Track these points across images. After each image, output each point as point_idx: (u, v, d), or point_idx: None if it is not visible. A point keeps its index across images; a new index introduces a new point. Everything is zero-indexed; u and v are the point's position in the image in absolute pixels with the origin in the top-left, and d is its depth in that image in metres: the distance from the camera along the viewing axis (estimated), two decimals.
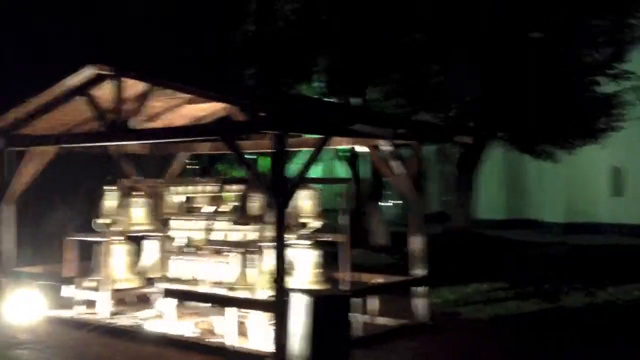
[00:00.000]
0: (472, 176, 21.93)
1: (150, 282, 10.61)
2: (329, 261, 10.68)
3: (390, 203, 38.69)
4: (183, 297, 9.33)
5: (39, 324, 10.05)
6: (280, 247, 8.06)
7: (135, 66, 9.35)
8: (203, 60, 19.14)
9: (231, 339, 8.54)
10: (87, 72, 9.48)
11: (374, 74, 21.58)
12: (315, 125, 8.17)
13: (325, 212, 10.21)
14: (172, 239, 10.76)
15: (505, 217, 29.35)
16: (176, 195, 10.79)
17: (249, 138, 8.96)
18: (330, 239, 10.12)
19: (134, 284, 10.71)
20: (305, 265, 9.87)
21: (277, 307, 7.91)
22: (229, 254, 9.49)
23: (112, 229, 10.49)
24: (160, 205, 10.54)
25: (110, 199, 10.73)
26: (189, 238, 10.38)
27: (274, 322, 8.05)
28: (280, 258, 8.05)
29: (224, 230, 9.78)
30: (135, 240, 11.14)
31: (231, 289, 9.17)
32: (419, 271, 9.94)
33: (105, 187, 10.78)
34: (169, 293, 9.37)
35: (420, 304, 9.89)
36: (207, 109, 11.20)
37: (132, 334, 9.33)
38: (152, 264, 10.67)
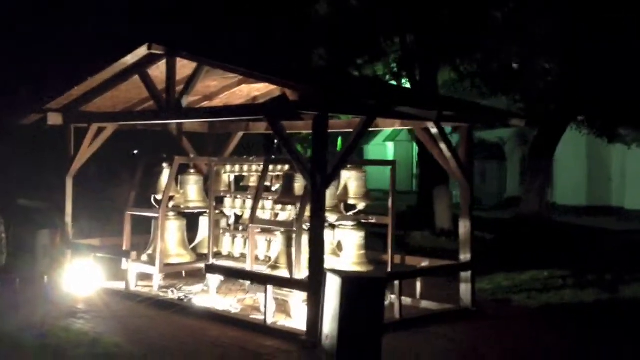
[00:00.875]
0: (547, 161, 21.43)
1: (202, 257, 10.87)
2: (381, 243, 10.74)
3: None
4: (223, 273, 9.49)
5: (95, 295, 10.41)
6: (318, 229, 8.08)
7: (186, 46, 9.50)
8: (274, 41, 19.29)
9: (270, 317, 8.65)
10: (140, 52, 9.70)
11: (451, 54, 21.36)
12: (356, 106, 8.14)
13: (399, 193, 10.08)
14: (226, 216, 11.03)
15: (585, 204, 28.55)
16: (229, 174, 11.01)
17: (301, 118, 9.00)
18: (374, 221, 10.10)
19: (185, 259, 10.99)
20: (349, 246, 9.90)
21: (311, 286, 7.96)
22: (273, 233, 9.66)
23: (166, 205, 10.73)
24: (214, 182, 10.72)
25: (165, 175, 10.99)
26: (236, 215, 10.59)
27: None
28: (318, 239, 8.07)
29: (272, 209, 9.93)
30: (193, 217, 11.45)
31: (274, 267, 9.31)
32: (464, 256, 9.80)
33: (161, 164, 11.07)
34: (209, 269, 9.56)
35: (464, 289, 9.77)
36: (262, 89, 11.33)
37: (178, 307, 9.56)
38: (205, 240, 10.91)
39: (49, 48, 16.40)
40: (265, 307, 8.67)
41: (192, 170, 11.35)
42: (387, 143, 44.76)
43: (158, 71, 9.91)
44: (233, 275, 9.55)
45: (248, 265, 9.51)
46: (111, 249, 11.21)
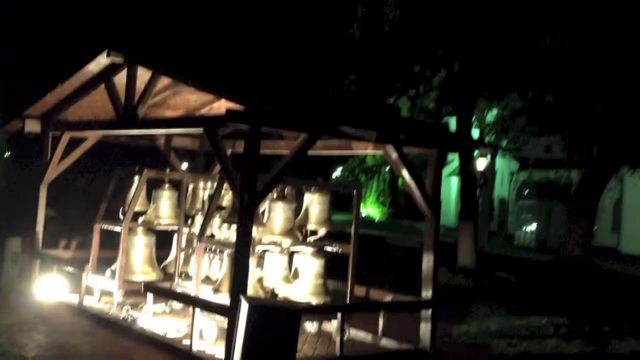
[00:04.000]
0: (593, 202, 20.19)
1: (169, 277, 10.45)
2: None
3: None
4: (155, 292, 9.02)
5: (50, 307, 10.13)
6: (242, 251, 7.53)
7: (144, 54, 9.20)
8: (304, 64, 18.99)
9: (207, 343, 8.14)
10: (102, 60, 9.46)
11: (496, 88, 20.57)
12: (292, 122, 7.59)
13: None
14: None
15: None
16: (203, 191, 10.58)
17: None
18: (336, 249, 9.47)
19: (150, 277, 10.56)
20: (305, 275, 9.30)
21: (230, 313, 7.40)
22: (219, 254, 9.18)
23: (129, 219, 10.37)
24: (186, 199, 10.32)
25: (134, 189, 10.65)
26: (193, 234, 10.14)
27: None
28: (241, 262, 7.53)
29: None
30: (168, 235, 11.06)
31: (216, 290, 8.81)
32: (425, 293, 9.03)
33: (132, 177, 10.75)
34: (146, 288, 9.12)
35: (423, 329, 8.99)
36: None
37: (118, 327, 9.15)
38: (174, 259, 10.49)
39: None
40: (191, 332, 8.14)
41: (166, 185, 10.98)
42: (451, 177, 43.73)
43: (120, 80, 9.63)
44: (164, 295, 9.06)
45: (193, 287, 9.02)
46: (74, 262, 10.90)
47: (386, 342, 9.27)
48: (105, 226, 10.63)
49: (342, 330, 8.34)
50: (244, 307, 7.02)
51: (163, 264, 10.88)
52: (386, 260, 18.12)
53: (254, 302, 6.97)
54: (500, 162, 39.25)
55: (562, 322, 11.57)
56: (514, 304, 13.42)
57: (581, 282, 17.09)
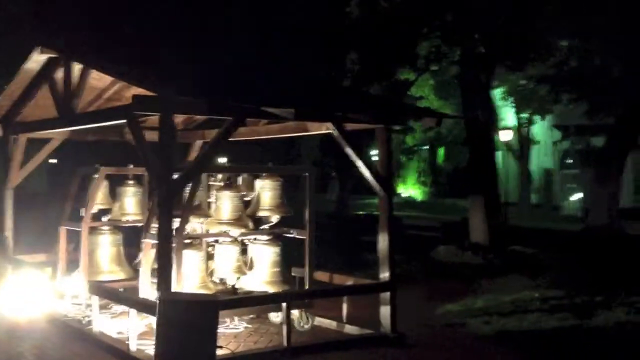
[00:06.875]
0: (617, 168, 19.24)
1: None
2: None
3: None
4: (95, 292, 8.72)
5: (18, 313, 9.99)
6: (164, 243, 7.18)
7: (77, 48, 8.92)
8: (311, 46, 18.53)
9: (131, 341, 7.81)
10: (39, 57, 9.22)
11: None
12: (205, 106, 7.18)
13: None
14: None
15: None
16: None
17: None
18: (292, 234, 9.06)
19: (118, 276, 10.32)
20: (261, 263, 8.93)
21: (152, 309, 7.06)
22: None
23: (88, 218, 10.11)
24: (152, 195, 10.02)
25: (95, 187, 10.40)
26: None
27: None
28: (163, 255, 7.18)
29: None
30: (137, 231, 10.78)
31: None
32: (383, 274, 8.54)
33: (92, 175, 10.48)
34: (90, 288, 8.85)
35: (383, 312, 8.51)
36: None
37: (75, 330, 8.92)
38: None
39: None
40: (128, 330, 7.84)
41: (130, 182, 10.69)
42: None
43: (59, 76, 9.36)
44: (99, 293, 8.73)
45: (143, 284, 8.71)
46: (44, 265, 10.72)
47: (350, 329, 8.85)
48: (69, 227, 10.42)
49: (288, 319, 7.90)
50: (158, 302, 6.71)
51: (135, 262, 10.62)
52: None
53: (165, 297, 6.63)
54: (542, 132, 38.02)
55: (554, 295, 10.93)
56: (514, 279, 12.80)
57: (603, 251, 16.25)
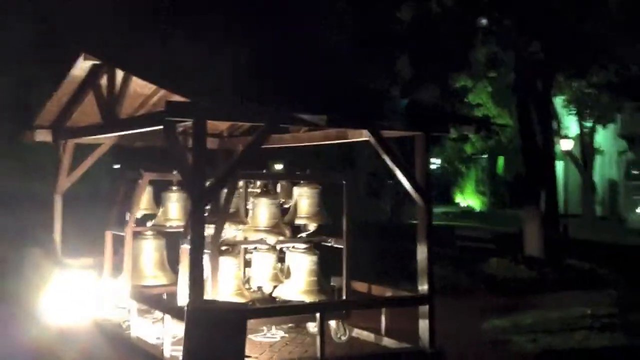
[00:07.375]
0: None
1: None
2: None
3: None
4: (133, 296, 8.71)
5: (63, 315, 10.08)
6: (196, 250, 7.12)
7: (116, 54, 8.97)
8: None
9: (165, 347, 7.78)
10: (82, 64, 9.31)
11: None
12: (237, 113, 7.11)
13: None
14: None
15: None
16: None
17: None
18: (330, 243, 8.92)
19: (161, 281, 10.33)
20: (298, 272, 8.81)
21: (186, 316, 6.99)
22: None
23: (132, 222, 10.15)
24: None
25: (139, 192, 10.43)
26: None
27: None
28: (194, 262, 7.11)
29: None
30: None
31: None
32: (422, 287, 8.31)
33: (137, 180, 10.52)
34: (130, 292, 8.86)
35: (422, 327, 8.27)
36: None
37: (113, 334, 8.97)
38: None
39: None
40: (164, 336, 7.82)
41: (174, 187, 10.71)
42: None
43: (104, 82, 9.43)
44: (139, 299, 8.72)
45: (181, 290, 8.69)
46: (91, 270, 10.80)
47: (387, 342, 8.65)
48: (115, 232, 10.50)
49: (321, 329, 7.74)
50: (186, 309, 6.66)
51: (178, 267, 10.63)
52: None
53: (192, 304, 6.57)
54: (606, 141, 36.95)
55: (608, 313, 10.50)
56: (568, 295, 12.38)
57: None
